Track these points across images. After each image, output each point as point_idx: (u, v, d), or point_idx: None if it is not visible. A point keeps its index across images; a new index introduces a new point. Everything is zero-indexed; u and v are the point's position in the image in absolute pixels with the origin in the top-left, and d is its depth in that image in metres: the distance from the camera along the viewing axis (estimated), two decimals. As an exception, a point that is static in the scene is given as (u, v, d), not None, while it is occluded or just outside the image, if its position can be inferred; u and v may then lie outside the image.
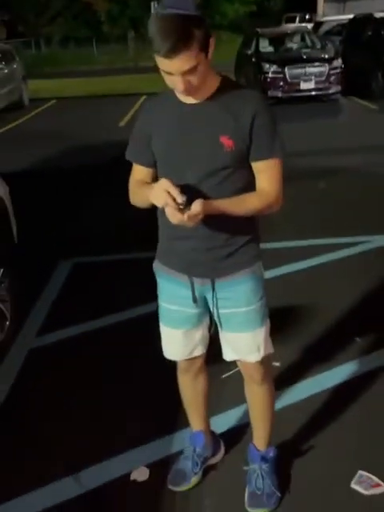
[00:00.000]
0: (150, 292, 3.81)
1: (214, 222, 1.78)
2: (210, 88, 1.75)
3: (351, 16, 15.76)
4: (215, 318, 2.00)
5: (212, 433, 2.40)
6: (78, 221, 5.63)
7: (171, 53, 1.55)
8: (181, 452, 2.38)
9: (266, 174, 1.79)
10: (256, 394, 2.15)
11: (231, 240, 1.87)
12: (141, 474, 2.34)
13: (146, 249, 4.62)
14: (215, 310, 1.97)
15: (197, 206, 1.63)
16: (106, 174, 7.38)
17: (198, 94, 1.72)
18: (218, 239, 1.85)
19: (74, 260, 4.66)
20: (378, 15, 13.64)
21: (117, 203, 6.03)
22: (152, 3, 23.98)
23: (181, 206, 1.63)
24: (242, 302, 1.93)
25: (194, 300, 1.96)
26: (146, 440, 2.54)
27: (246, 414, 2.58)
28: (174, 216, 1.64)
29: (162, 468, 2.36)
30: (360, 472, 2.26)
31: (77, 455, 2.49)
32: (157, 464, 2.39)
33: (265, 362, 2.05)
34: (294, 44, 13.51)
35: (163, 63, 1.60)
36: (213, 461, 2.37)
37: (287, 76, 11.69)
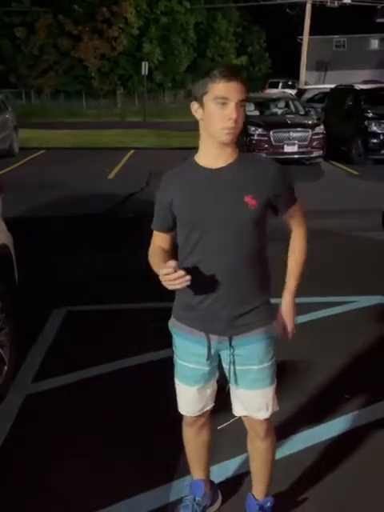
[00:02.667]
0: (140, 342, 3.96)
1: (236, 279, 1.94)
2: (233, 154, 1.96)
3: (333, 85, 16.63)
4: (229, 374, 2.09)
5: (211, 482, 2.47)
6: (70, 270, 5.73)
7: (232, 73, 1.81)
8: (179, 500, 2.44)
9: (297, 216, 2.07)
10: (258, 448, 2.24)
11: (251, 297, 2.00)
12: (140, 522, 2.39)
13: (136, 299, 4.81)
14: (231, 367, 2.06)
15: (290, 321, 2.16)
16: (98, 226, 7.54)
17: (229, 146, 1.92)
18: (240, 296, 1.98)
19: (66, 308, 4.75)
20: (359, 86, 14.44)
21: (109, 254, 6.23)
22: (143, 63, 25.01)
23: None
24: (256, 359, 2.04)
25: (208, 357, 2.05)
26: (143, 488, 2.59)
27: (242, 464, 2.68)
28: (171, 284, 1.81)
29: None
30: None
31: (75, 503, 2.53)
32: (156, 512, 2.45)
33: (269, 418, 2.15)
34: (278, 109, 14.09)
35: (221, 88, 1.81)
36: (211, 510, 2.43)
37: (272, 139, 12.15)
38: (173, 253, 2.08)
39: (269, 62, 44.68)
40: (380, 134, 12.19)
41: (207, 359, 2.05)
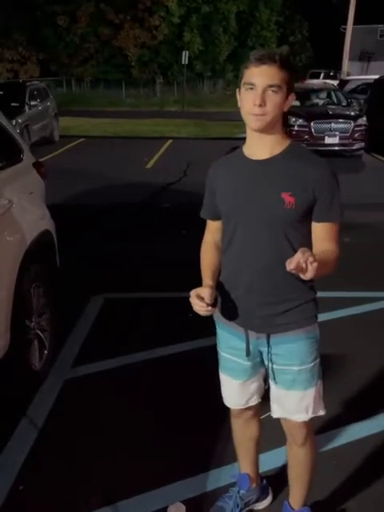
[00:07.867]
0: (177, 331, 3.97)
1: (272, 277, 1.88)
2: (279, 146, 1.86)
3: (376, 76, 16.26)
4: (269, 372, 2.03)
5: (261, 479, 2.42)
6: (108, 257, 5.77)
7: (261, 58, 1.75)
8: (218, 489, 2.44)
9: (328, 234, 1.86)
10: (296, 456, 2.15)
11: (289, 297, 1.91)
12: (177, 510, 2.40)
13: (173, 288, 4.81)
14: (269, 365, 2.01)
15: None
16: (136, 214, 7.58)
17: (265, 129, 1.80)
18: (276, 295, 1.90)
19: (104, 295, 4.79)
20: (403, 77, 14.09)
21: (147, 242, 6.26)
22: (183, 52, 24.91)
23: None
24: (296, 360, 1.96)
25: (248, 353, 2.01)
26: (182, 476, 2.60)
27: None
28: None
29: (197, 504, 2.42)
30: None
31: (114, 488, 2.55)
32: (193, 500, 2.46)
33: (309, 423, 2.06)
34: (320, 100, 13.87)
35: (250, 73, 1.76)
36: (258, 506, 2.40)
37: (313, 130, 11.98)
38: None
39: (311, 51, 43.92)
40: None
41: (247, 355, 2.01)
